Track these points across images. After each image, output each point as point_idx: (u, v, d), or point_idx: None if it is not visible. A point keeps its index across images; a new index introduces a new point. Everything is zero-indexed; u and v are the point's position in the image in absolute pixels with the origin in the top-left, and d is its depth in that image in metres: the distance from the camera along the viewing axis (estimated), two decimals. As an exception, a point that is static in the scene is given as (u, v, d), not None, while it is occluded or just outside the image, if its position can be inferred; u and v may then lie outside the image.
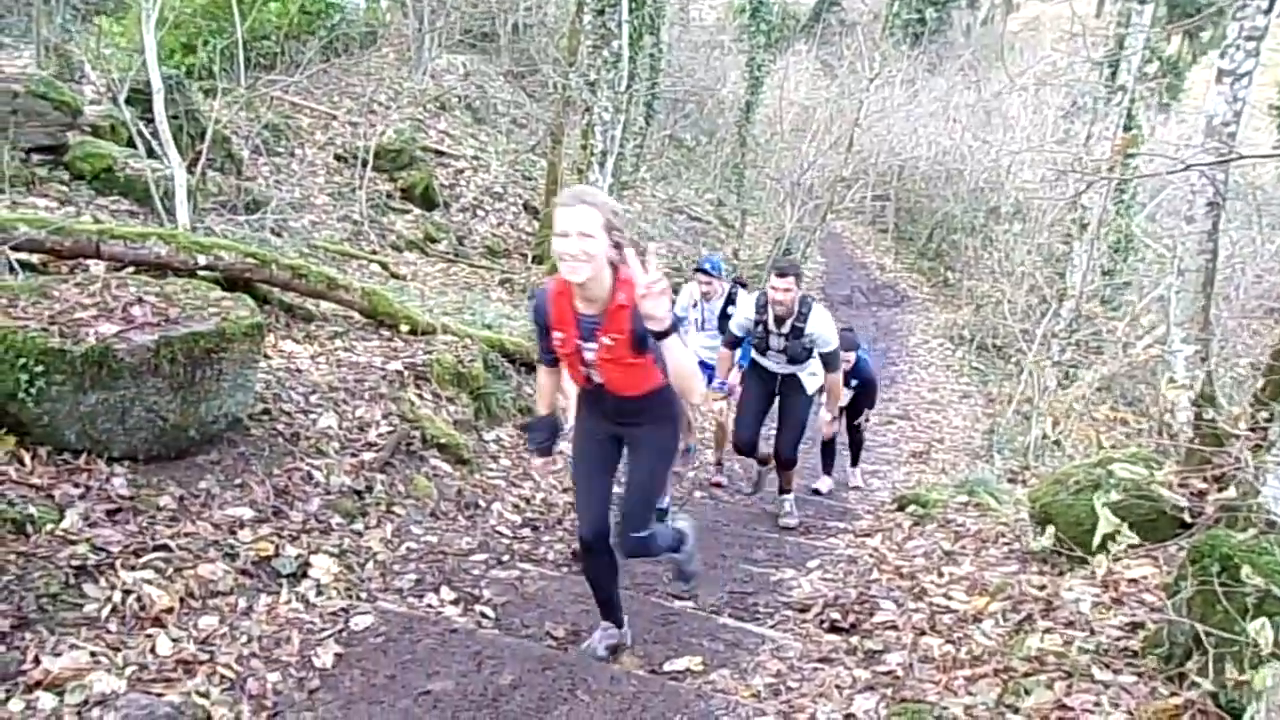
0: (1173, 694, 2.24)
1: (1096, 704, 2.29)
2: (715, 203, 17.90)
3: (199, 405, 3.36)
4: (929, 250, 22.20)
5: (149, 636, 2.61)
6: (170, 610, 2.73)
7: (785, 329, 4.99)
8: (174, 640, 2.64)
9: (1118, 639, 2.67)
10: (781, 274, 4.85)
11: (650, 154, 17.14)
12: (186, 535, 3.05)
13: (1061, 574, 3.40)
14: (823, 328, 4.93)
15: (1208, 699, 2.09)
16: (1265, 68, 4.49)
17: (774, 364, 5.23)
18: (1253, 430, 2.68)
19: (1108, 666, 2.48)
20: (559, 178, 10.94)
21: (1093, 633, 2.68)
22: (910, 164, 21.61)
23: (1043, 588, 3.10)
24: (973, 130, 20.46)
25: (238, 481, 3.44)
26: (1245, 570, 2.07)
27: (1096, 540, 2.50)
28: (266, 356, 4.29)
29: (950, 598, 3.55)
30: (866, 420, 7.19)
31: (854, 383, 6.54)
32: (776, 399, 5.39)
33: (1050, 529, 2.67)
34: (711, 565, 4.17)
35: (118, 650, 2.51)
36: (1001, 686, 2.48)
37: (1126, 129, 9.61)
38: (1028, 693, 2.37)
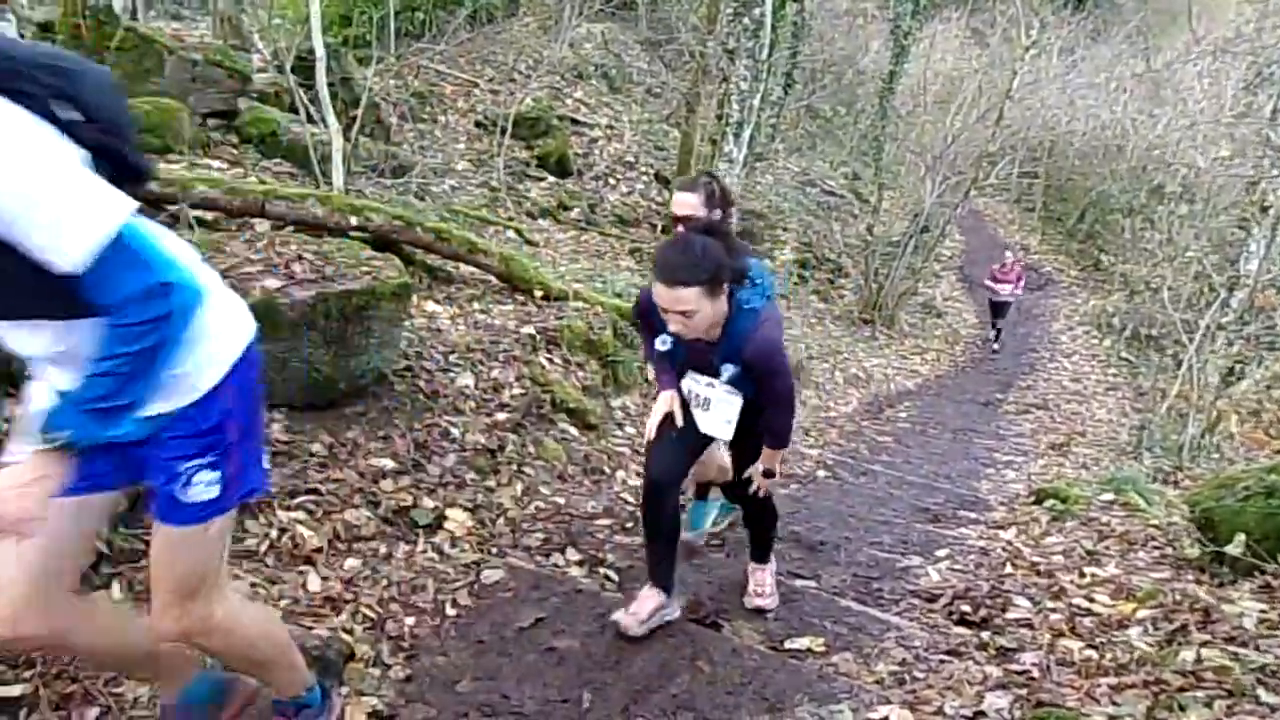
0: (1353, 726, 2.04)
1: (1261, 728, 2.12)
2: (850, 176, 17.38)
3: (349, 360, 3.54)
4: (1079, 231, 20.89)
5: (300, 573, 2.79)
6: (320, 550, 2.91)
7: None
8: (323, 578, 2.81)
9: (1288, 660, 2.45)
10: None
11: (785, 125, 16.77)
12: (335, 481, 3.23)
13: (1221, 585, 3.15)
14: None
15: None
16: None
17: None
18: None
19: (1276, 690, 2.29)
20: (693, 148, 10.87)
21: (1260, 650, 2.48)
22: (1064, 139, 20.31)
23: (1203, 598, 2.88)
24: (1138, 102, 18.98)
25: (381, 434, 3.61)
26: None
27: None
28: (411, 316, 4.48)
29: (1092, 600, 3.35)
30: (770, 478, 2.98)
31: (729, 370, 2.75)
32: None
33: (1240, 538, 2.46)
34: (835, 546, 4.10)
35: (274, 584, 2.70)
36: (1152, 700, 2.33)
37: (1322, 102, 8.67)
38: (1183, 708, 2.21)
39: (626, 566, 3.47)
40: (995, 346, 14.39)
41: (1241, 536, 2.47)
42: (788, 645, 2.99)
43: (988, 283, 14.24)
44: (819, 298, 13.32)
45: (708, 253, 2.41)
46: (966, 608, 3.44)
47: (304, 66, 6.38)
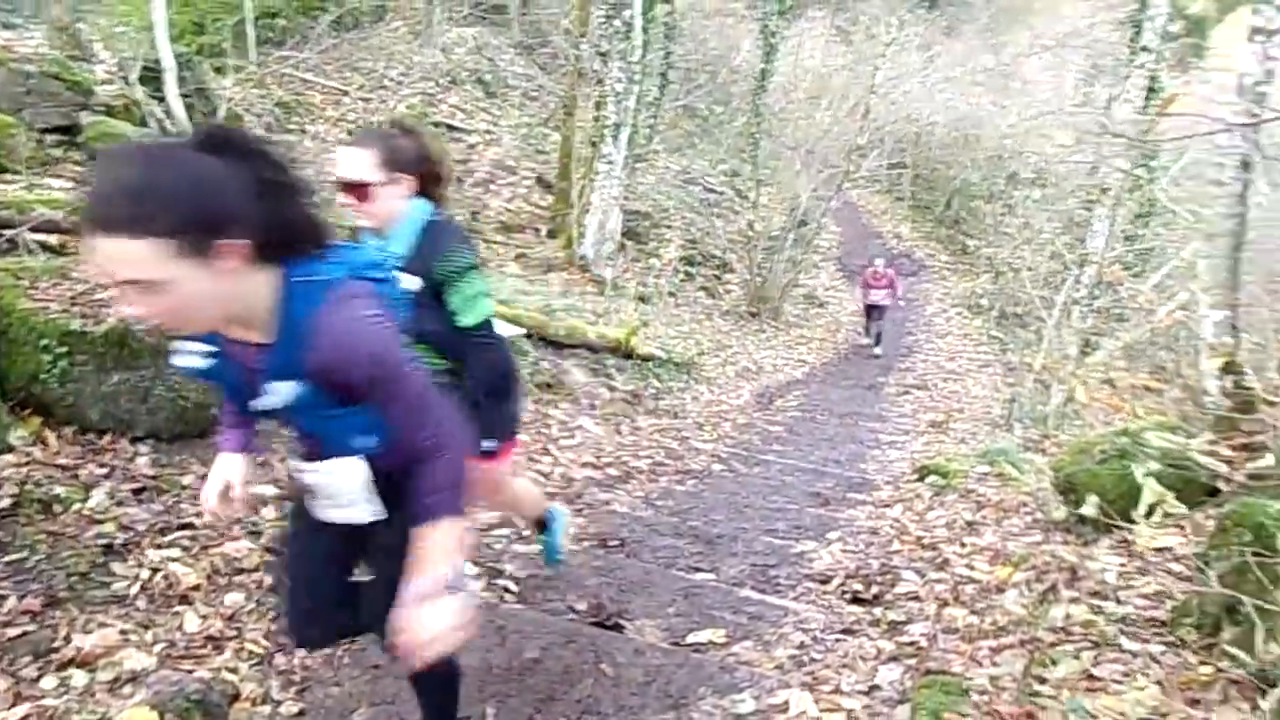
0: (1203, 664, 2.22)
1: (1126, 674, 2.27)
2: (730, 173, 17.74)
3: (220, 384, 3.37)
4: (946, 218, 21.98)
5: (177, 614, 2.63)
6: (197, 588, 2.75)
7: None
8: (202, 617, 2.66)
9: (1145, 609, 2.64)
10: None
11: (664, 125, 16.97)
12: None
13: (1086, 544, 3.37)
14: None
15: (1240, 669, 2.06)
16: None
17: None
18: (1285, 396, 2.63)
19: (1136, 636, 2.46)
20: (572, 150, 10.86)
21: (1120, 603, 2.66)
22: (927, 130, 21.34)
23: (1068, 558, 3.08)
24: (991, 95, 20.14)
25: (260, 459, 3.45)
26: None
27: (1142, 510, 2.46)
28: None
29: (973, 568, 3.53)
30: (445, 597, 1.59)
31: (284, 391, 1.55)
32: None
33: (1093, 499, 2.63)
34: (733, 538, 4.17)
35: (147, 628, 2.54)
36: (1028, 657, 2.46)
37: (1151, 91, 9.41)
38: (1055, 663, 2.35)
39: (526, 576, 3.44)
40: (877, 351, 13.91)
41: (1094, 498, 2.65)
42: (689, 640, 3.02)
43: (861, 289, 14.13)
44: (706, 294, 13.54)
45: (186, 172, 1.27)
46: (859, 586, 3.57)
47: (153, 77, 6.04)
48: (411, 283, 2.19)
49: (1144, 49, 9.53)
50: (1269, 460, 2.43)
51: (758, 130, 17.56)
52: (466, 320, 2.42)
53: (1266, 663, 1.97)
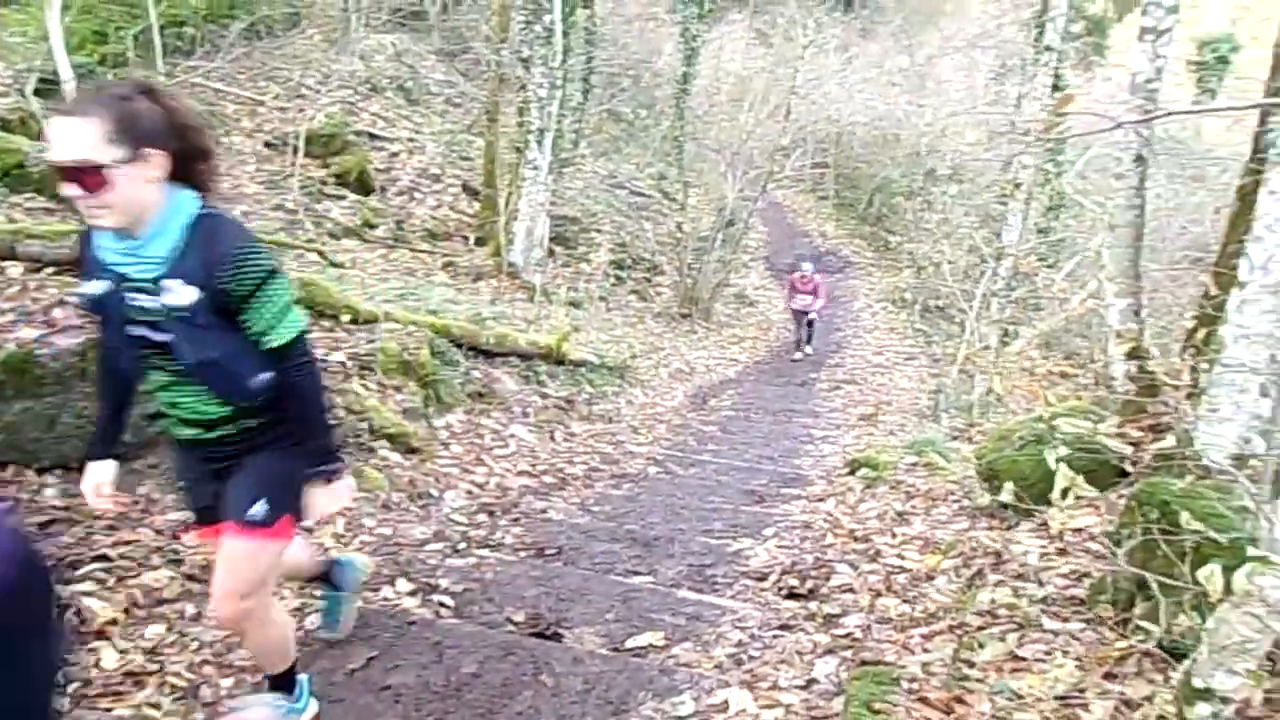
0: (1119, 638, 2.31)
1: (1048, 653, 2.36)
2: (657, 176, 17.84)
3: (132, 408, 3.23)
4: (869, 215, 22.49)
5: (92, 650, 2.52)
6: (114, 622, 2.64)
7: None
8: (120, 652, 2.55)
9: (1065, 588, 2.74)
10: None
11: (589, 130, 16.98)
12: (128, 543, 2.94)
13: (1010, 528, 3.49)
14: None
15: (1152, 643, 2.16)
16: (1183, 24, 4.60)
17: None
18: (1190, 380, 2.76)
19: (1057, 615, 2.56)
20: (497, 157, 10.78)
21: (1041, 584, 2.76)
22: (847, 130, 21.80)
23: (992, 543, 3.18)
24: (908, 94, 20.70)
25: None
26: (1184, 516, 2.14)
27: (1056, 494, 2.56)
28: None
29: (904, 558, 3.62)
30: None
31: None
32: None
33: (1009, 486, 2.72)
34: (670, 539, 4.19)
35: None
36: (957, 642, 2.54)
37: (1056, 89, 9.79)
38: (982, 646, 2.42)
39: (462, 590, 3.39)
40: (801, 353, 13.59)
41: (1010, 485, 2.75)
42: (629, 644, 3.02)
43: (788, 292, 14.08)
44: (638, 297, 13.58)
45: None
46: (794, 581, 3.62)
47: (52, 89, 5.78)
48: (183, 296, 1.79)
49: (1048, 48, 9.91)
50: (1172, 440, 2.55)
51: (682, 133, 17.73)
52: (280, 339, 1.89)
53: (1176, 635, 2.07)
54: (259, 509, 1.97)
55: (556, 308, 9.57)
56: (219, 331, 1.84)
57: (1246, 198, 3.08)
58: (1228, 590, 1.77)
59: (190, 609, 2.84)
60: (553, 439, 6.05)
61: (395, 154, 11.40)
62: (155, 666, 2.54)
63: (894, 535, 3.95)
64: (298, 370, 1.95)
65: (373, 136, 11.30)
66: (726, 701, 2.53)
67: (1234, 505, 2.22)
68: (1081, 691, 2.10)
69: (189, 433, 2.03)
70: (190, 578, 2.96)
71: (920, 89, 21.22)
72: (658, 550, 4.05)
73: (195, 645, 2.69)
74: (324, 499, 2.08)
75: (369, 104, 12.11)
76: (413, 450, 4.58)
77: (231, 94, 10.38)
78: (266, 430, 2.00)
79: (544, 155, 10.13)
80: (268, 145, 9.83)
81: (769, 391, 11.02)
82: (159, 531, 3.07)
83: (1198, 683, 1.82)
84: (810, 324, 13.69)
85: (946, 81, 20.22)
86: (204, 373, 1.88)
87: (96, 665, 2.47)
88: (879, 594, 3.29)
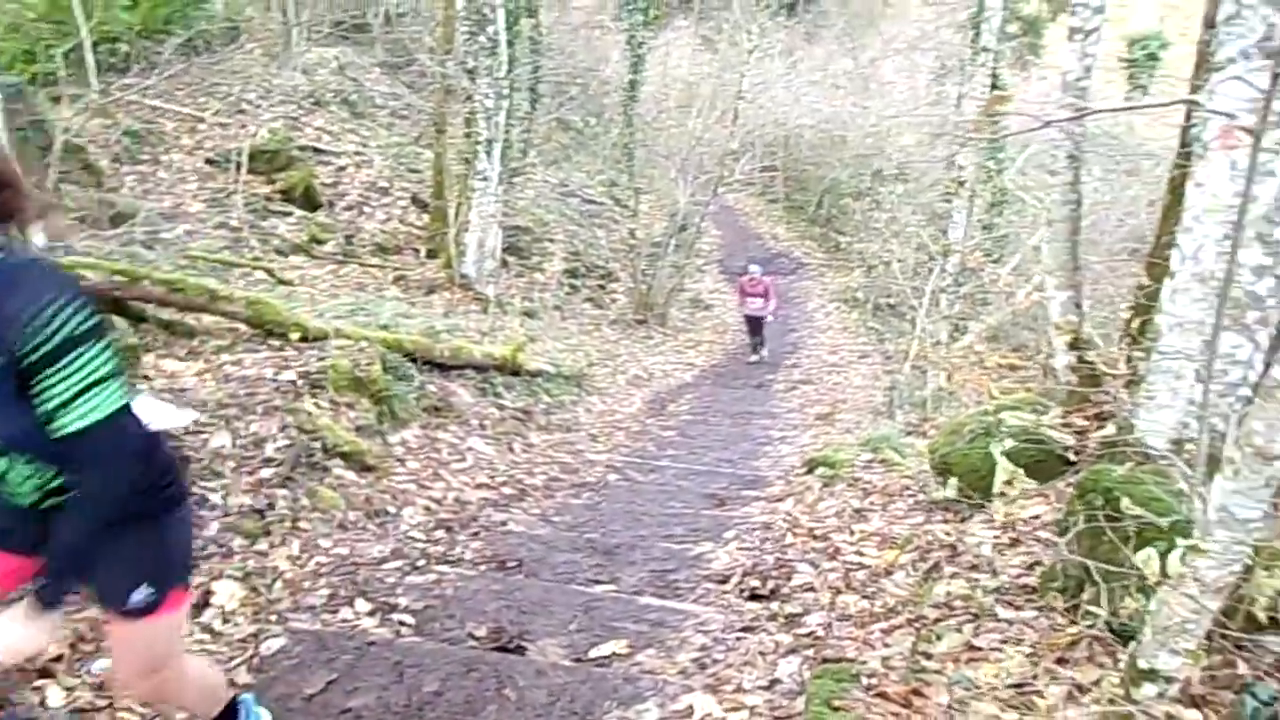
0: (1070, 624, 2.37)
1: (1003, 642, 2.40)
2: (608, 183, 17.86)
3: (73, 437, 3.15)
4: (819, 217, 22.76)
5: (37, 689, 2.44)
6: (60, 658, 2.55)
7: None
8: (67, 689, 2.47)
9: (1018, 577, 2.80)
10: None
11: (539, 139, 16.94)
12: (71, 576, 2.85)
13: (964, 520, 3.55)
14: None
15: (1101, 627, 2.21)
16: (1110, 23, 4.75)
17: None
18: (1128, 369, 2.84)
19: (1011, 605, 2.61)
20: (445, 168, 10.71)
21: (995, 574, 2.81)
22: (795, 133, 22.05)
23: (947, 535, 3.23)
24: (853, 97, 21.02)
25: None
26: (1125, 502, 2.20)
27: (997, 487, 2.61)
28: (146, 378, 4.07)
29: (863, 554, 3.66)
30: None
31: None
32: None
33: (953, 480, 2.77)
34: (631, 546, 4.19)
35: (2, 708, 2.34)
36: (915, 635, 2.57)
37: (994, 88, 10.03)
38: (939, 638, 2.46)
39: (422, 608, 3.35)
40: (757, 356, 13.50)
41: (955, 480, 2.81)
42: (592, 654, 3.01)
43: (739, 296, 13.90)
44: (593, 304, 13.58)
45: None
46: (756, 583, 3.64)
47: (-20, 111, 5.60)
48: None
49: (984, 49, 10.15)
50: (1113, 429, 2.62)
51: (632, 140, 17.76)
52: (74, 425, 1.46)
53: (1124, 618, 2.12)
54: (140, 595, 1.69)
55: (511, 318, 9.53)
56: (13, 404, 1.47)
57: (1176, 190, 3.18)
58: (1164, 573, 1.82)
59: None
60: (511, 451, 6.01)
61: (342, 168, 11.27)
62: (105, 702, 2.47)
63: (852, 532, 4.00)
64: (94, 466, 1.51)
65: (318, 151, 11.16)
66: (691, 706, 2.53)
67: (1172, 489, 2.29)
68: (1033, 678, 2.15)
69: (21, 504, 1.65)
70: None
71: (864, 91, 21.57)
72: (619, 558, 4.05)
73: (146, 678, 2.62)
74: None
75: (313, 118, 11.95)
76: (368, 468, 4.52)
77: (170, 111, 10.16)
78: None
79: (493, 166, 10.08)
80: (209, 162, 9.65)
81: (726, 394, 11.09)
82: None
83: (1143, 664, 1.87)
84: (761, 326, 13.58)
85: (889, 83, 20.59)
86: (19, 449, 1.55)
87: (42, 704, 2.40)
88: (839, 591, 3.32)
